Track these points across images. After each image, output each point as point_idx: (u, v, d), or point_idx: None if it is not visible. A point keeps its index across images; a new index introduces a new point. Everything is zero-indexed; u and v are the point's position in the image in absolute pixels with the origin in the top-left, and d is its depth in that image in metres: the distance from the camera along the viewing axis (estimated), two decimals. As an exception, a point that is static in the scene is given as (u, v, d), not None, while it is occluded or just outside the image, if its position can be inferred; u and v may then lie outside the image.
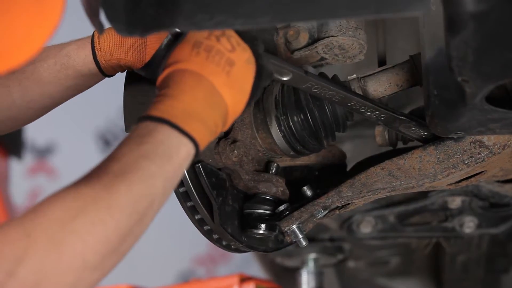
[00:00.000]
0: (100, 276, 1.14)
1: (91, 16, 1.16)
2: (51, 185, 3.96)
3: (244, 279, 2.34)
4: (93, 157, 3.87)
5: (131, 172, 1.16)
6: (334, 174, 1.69)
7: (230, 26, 1.15)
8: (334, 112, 1.56)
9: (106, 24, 1.16)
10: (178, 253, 3.89)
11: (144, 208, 1.16)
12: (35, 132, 3.90)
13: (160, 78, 1.30)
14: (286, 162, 1.66)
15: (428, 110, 1.42)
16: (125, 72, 1.54)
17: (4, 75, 1.43)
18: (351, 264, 2.51)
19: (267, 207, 1.58)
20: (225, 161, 1.54)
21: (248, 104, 1.34)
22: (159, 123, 1.21)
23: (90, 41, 1.48)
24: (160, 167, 1.18)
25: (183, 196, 1.51)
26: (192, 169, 1.49)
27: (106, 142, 4.03)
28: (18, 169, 3.83)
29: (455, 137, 1.48)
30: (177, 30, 1.37)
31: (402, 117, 1.52)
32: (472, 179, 1.61)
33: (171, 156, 1.20)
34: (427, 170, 1.52)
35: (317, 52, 1.56)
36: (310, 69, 1.65)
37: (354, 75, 1.57)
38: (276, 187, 1.58)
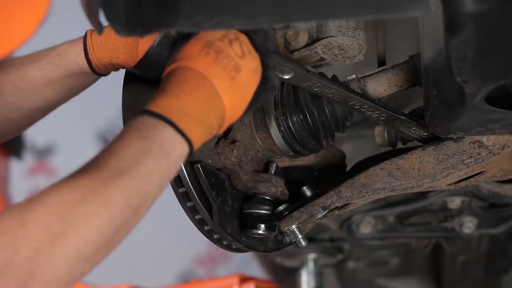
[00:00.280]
0: (91, 267, 1.15)
1: (91, 16, 1.16)
2: (51, 185, 3.96)
3: (244, 279, 2.34)
4: (93, 157, 3.86)
5: (130, 167, 1.17)
6: (333, 174, 1.69)
7: (229, 26, 1.15)
8: (334, 113, 1.56)
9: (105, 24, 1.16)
10: (178, 253, 3.89)
11: (139, 203, 1.18)
12: (35, 132, 3.90)
13: (166, 71, 1.30)
14: (285, 162, 1.66)
15: (428, 110, 1.42)
16: (124, 71, 1.54)
17: None
18: (351, 264, 2.50)
19: (267, 207, 1.58)
20: (225, 161, 1.54)
21: (246, 112, 1.34)
22: (158, 119, 1.22)
23: (82, 40, 1.48)
24: (157, 164, 1.19)
25: (183, 196, 1.51)
26: (191, 169, 1.50)
27: (106, 142, 4.03)
28: (18, 169, 3.83)
29: (454, 137, 1.48)
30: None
31: (403, 117, 1.52)
32: (472, 179, 1.61)
33: (167, 153, 1.21)
34: (427, 170, 1.52)
35: (316, 52, 1.56)
36: (310, 69, 1.65)
37: (354, 75, 1.57)
38: (275, 187, 1.58)
